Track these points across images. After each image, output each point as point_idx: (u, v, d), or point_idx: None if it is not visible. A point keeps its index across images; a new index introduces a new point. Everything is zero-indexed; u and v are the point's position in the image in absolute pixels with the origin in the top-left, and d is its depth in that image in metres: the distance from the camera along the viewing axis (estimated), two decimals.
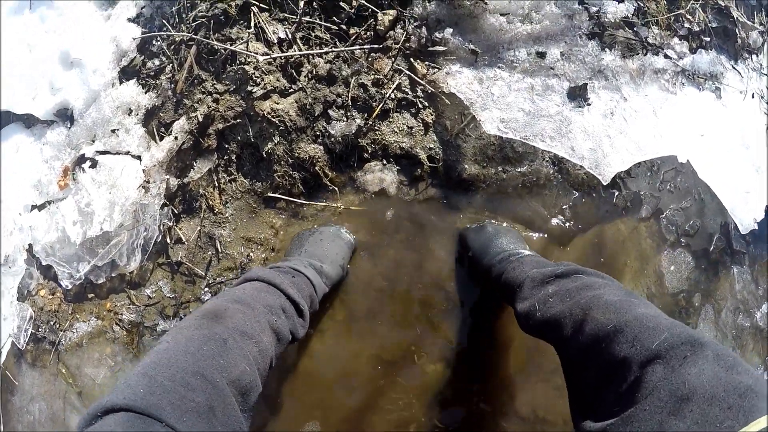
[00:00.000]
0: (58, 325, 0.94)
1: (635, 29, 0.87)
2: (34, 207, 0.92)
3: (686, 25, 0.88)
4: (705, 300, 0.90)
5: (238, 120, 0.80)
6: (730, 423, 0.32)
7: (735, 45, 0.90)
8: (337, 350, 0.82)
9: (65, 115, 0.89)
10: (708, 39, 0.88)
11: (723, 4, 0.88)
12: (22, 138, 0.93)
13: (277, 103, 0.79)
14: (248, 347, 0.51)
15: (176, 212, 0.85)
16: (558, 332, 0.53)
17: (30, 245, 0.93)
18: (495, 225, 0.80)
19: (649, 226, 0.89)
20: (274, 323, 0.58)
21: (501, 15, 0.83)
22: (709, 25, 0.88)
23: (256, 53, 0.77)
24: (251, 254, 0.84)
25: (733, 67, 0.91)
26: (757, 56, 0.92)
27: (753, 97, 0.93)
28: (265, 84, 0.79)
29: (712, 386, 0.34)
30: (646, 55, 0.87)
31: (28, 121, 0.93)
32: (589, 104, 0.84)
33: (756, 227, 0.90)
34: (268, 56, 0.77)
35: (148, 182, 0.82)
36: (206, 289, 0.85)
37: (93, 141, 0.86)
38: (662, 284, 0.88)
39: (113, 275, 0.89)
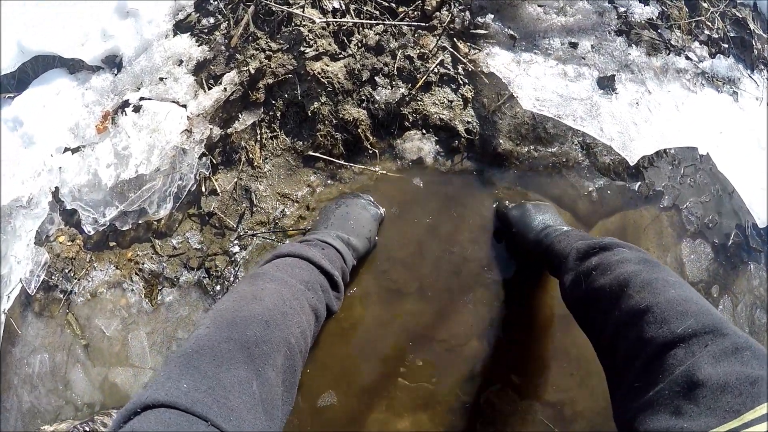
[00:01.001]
0: (73, 273, 0.92)
1: (659, 31, 0.94)
2: (67, 149, 0.92)
3: (706, 31, 0.96)
4: (723, 292, 0.92)
5: (288, 76, 0.83)
6: (738, 407, 0.34)
7: (752, 55, 0.98)
8: (361, 319, 0.81)
9: (113, 62, 0.91)
10: (726, 46, 0.96)
11: (741, 16, 0.97)
12: (65, 82, 0.94)
13: (328, 66, 0.83)
14: (290, 328, 0.49)
15: (214, 163, 0.86)
16: (598, 306, 0.53)
17: (56, 188, 0.92)
18: (533, 203, 0.82)
19: (671, 215, 0.93)
20: (311, 300, 0.56)
21: (538, 6, 0.90)
22: (727, 33, 0.96)
23: (312, 17, 0.81)
24: (285, 210, 0.85)
25: (750, 76, 0.98)
26: None
27: None
28: (317, 46, 0.82)
29: (726, 374, 0.36)
30: (669, 54, 0.94)
31: (73, 67, 0.95)
32: (616, 93, 0.90)
33: None
34: (324, 20, 0.81)
35: (191, 131, 0.83)
36: (236, 241, 0.85)
37: (138, 88, 0.88)
38: (683, 272, 0.90)
39: (139, 222, 0.88)
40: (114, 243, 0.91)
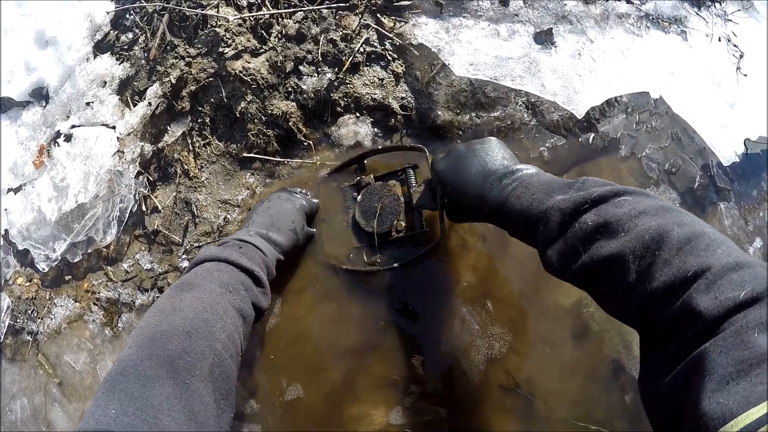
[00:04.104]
0: (36, 313, 0.91)
1: None
2: (10, 190, 0.91)
3: None
4: None
5: (211, 80, 0.81)
6: None
7: None
8: (322, 310, 0.79)
9: (40, 95, 0.90)
10: None
11: None
12: None
13: (249, 62, 0.80)
14: (214, 335, 0.48)
15: (151, 180, 0.84)
16: (616, 277, 0.42)
17: (6, 231, 0.91)
18: (464, 144, 0.63)
19: (630, 165, 0.89)
20: (234, 302, 0.55)
21: None
22: None
23: (227, 15, 0.78)
24: (228, 216, 0.83)
25: (697, 13, 0.93)
26: (720, 4, 0.95)
27: (720, 40, 0.95)
28: (236, 45, 0.80)
29: None
30: (608, 0, 0.89)
31: (4, 105, 0.94)
32: (555, 46, 0.86)
33: (738, 159, 0.89)
34: (238, 17, 0.79)
35: (122, 152, 0.81)
36: (184, 256, 0.83)
37: (68, 116, 0.86)
38: None
39: (89, 251, 0.87)
40: (69, 276, 0.90)
